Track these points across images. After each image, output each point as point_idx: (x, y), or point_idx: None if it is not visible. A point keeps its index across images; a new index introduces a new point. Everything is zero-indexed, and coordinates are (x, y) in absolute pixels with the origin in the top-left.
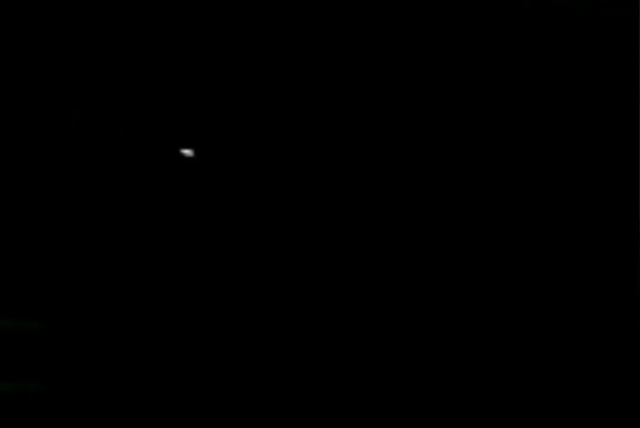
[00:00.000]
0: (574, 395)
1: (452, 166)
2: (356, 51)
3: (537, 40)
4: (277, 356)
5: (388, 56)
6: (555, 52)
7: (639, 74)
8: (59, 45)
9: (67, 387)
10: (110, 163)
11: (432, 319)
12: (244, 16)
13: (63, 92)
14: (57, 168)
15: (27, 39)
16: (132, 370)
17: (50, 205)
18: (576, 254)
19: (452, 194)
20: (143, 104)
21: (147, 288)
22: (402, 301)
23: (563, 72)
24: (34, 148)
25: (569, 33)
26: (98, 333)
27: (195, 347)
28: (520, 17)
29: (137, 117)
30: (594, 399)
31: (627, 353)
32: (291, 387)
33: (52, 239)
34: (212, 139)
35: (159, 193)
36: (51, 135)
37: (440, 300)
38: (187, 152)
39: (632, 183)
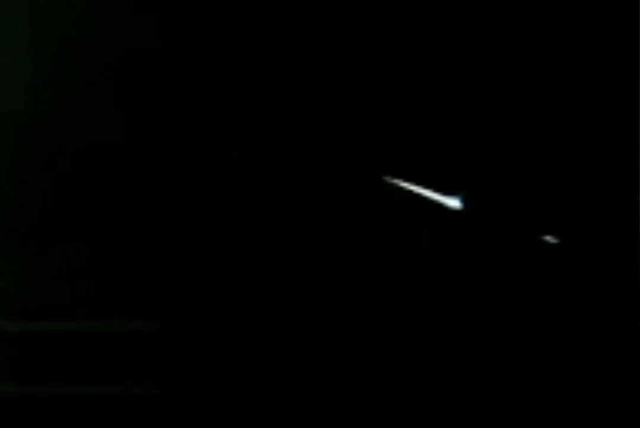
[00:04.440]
0: (574, 394)
1: (450, 163)
2: (356, 48)
3: (537, 40)
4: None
5: (387, 50)
6: (555, 51)
7: (639, 74)
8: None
9: (186, 388)
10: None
11: (432, 316)
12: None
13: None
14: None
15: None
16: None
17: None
18: (575, 253)
19: (450, 190)
20: (145, 105)
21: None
22: (401, 297)
23: (562, 72)
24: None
25: (568, 32)
26: (219, 335)
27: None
28: (520, 16)
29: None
30: (594, 399)
31: (627, 353)
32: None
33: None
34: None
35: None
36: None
37: (438, 297)
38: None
39: (633, 186)
